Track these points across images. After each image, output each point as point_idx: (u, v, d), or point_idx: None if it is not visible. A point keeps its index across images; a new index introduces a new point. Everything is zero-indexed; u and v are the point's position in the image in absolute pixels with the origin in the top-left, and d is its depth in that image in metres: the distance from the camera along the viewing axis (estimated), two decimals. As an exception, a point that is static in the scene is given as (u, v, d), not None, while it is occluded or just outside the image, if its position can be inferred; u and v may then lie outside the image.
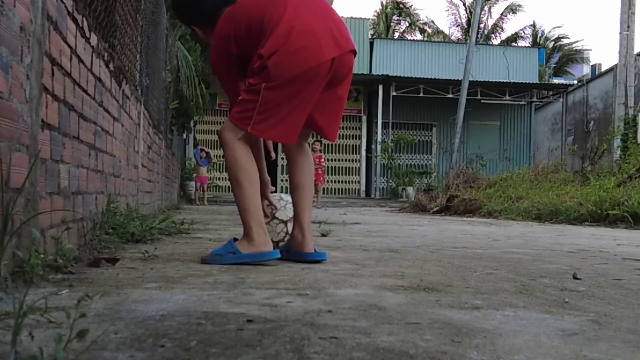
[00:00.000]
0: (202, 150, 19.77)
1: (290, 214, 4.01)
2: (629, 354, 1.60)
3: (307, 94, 3.54)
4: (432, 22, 45.84)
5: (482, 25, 41.43)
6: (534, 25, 45.03)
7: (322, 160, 18.18)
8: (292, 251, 3.71)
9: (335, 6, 3.82)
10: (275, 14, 3.45)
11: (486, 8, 42.00)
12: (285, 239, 4.05)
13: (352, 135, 29.17)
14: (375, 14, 44.98)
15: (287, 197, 4.25)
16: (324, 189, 17.60)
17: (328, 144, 26.22)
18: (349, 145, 29.21)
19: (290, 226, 3.99)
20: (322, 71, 3.52)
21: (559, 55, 44.51)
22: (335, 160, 28.04)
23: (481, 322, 1.97)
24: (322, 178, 17.70)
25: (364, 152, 29.20)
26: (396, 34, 43.80)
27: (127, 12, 5.50)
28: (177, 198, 15.30)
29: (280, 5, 3.49)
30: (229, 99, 3.80)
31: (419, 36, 43.75)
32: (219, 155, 27.24)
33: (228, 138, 3.53)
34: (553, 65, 43.25)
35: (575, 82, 35.56)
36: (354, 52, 3.76)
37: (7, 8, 2.25)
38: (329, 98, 3.69)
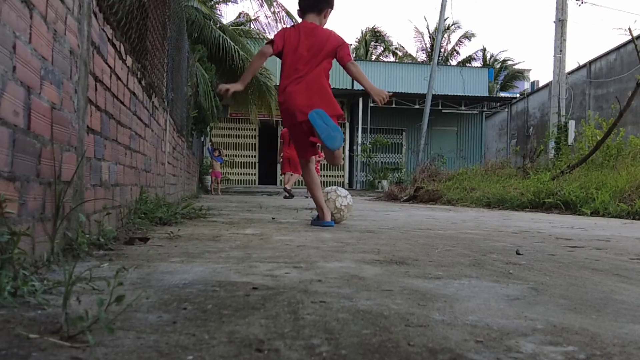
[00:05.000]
0: (215, 149, 19.80)
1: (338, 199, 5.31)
2: (561, 315, 1.61)
3: (299, 136, 5.06)
4: (402, 47, 45.58)
5: (442, 50, 41.35)
6: (484, 50, 45.04)
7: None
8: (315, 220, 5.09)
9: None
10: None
11: (446, 36, 41.95)
12: (343, 215, 5.34)
13: (338, 138, 29.14)
14: (357, 40, 44.96)
15: (334, 188, 5.46)
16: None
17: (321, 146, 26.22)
18: (336, 146, 29.16)
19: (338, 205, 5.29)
20: (301, 126, 4.93)
21: (505, 74, 44.47)
22: (325, 158, 27.98)
23: (442, 290, 1.97)
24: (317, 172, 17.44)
25: (347, 152, 29.20)
26: (373, 57, 43.76)
27: (156, 39, 5.48)
28: (196, 189, 15.29)
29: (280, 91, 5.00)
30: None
31: (392, 58, 43.72)
32: (230, 155, 27.32)
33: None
34: (500, 82, 43.23)
35: (518, 95, 35.56)
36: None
37: (59, 36, 2.24)
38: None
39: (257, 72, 18.07)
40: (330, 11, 5.07)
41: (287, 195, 14.05)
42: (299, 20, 5.22)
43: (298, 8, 5.13)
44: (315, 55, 4.87)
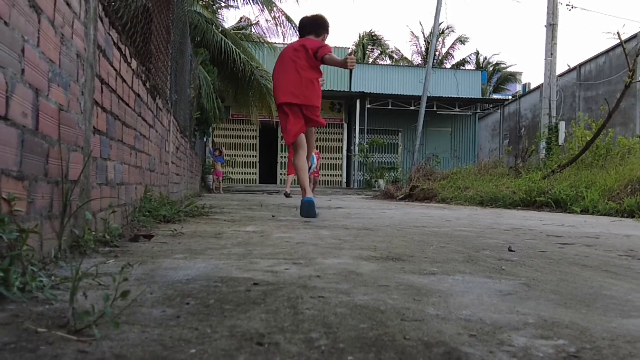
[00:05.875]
0: (216, 149, 19.82)
1: None
2: (551, 309, 1.62)
3: (290, 115, 5.54)
4: (398, 50, 45.63)
5: (437, 53, 41.36)
6: (477, 53, 45.03)
7: (319, 157, 17.73)
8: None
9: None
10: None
11: (440, 39, 41.98)
12: None
13: (336, 139, 29.19)
14: (354, 44, 44.94)
15: None
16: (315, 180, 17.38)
17: (319, 146, 26.25)
18: (334, 146, 29.25)
19: None
20: (288, 106, 5.51)
21: (498, 76, 44.50)
22: (323, 158, 28.01)
23: (436, 285, 1.97)
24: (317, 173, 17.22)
25: (345, 152, 29.23)
26: (370, 60, 43.76)
27: (160, 42, 5.48)
28: (199, 188, 15.27)
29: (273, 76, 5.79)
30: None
31: (388, 61, 43.69)
32: (232, 155, 27.32)
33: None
34: (493, 84, 43.23)
35: (510, 97, 35.56)
36: (311, 105, 5.57)
37: (66, 39, 2.24)
38: (309, 115, 5.61)
39: (259, 76, 18.11)
40: (327, 36, 5.86)
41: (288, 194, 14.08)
42: (298, 24, 5.99)
43: (299, 35, 5.90)
44: (300, 54, 5.52)
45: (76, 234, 2.39)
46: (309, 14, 5.97)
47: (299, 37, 5.87)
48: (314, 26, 5.79)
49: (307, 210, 5.27)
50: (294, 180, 15.19)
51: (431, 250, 3.09)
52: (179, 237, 3.43)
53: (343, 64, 5.34)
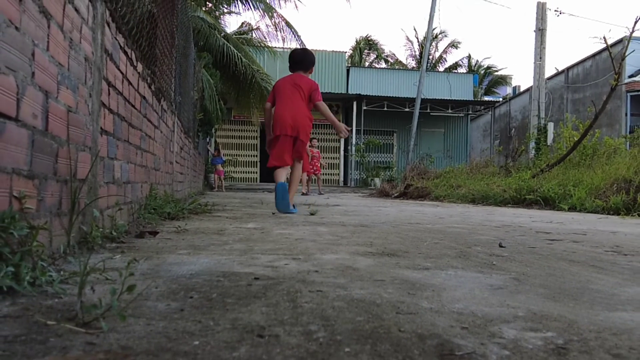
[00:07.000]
0: (215, 150, 19.84)
1: None
2: (540, 303, 1.62)
3: (282, 143, 6.03)
4: (394, 54, 45.60)
5: (430, 57, 41.39)
6: (469, 57, 45.07)
7: (320, 157, 17.58)
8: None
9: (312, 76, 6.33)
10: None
11: (434, 44, 41.99)
12: None
13: (333, 139, 29.18)
14: (351, 48, 44.98)
15: None
16: (314, 179, 17.31)
17: (318, 146, 26.35)
18: (331, 147, 29.26)
19: None
20: (282, 137, 6.03)
21: (489, 79, 44.52)
22: (322, 157, 28.08)
23: (430, 279, 1.97)
24: (318, 170, 17.05)
25: (342, 152, 29.24)
26: (366, 63, 43.76)
27: (164, 47, 5.47)
28: (202, 186, 15.26)
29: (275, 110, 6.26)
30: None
31: (383, 65, 43.70)
32: (233, 155, 27.32)
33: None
34: (484, 87, 43.27)
35: (501, 99, 35.58)
36: (302, 140, 6.11)
37: (75, 44, 2.24)
38: (296, 145, 6.14)
39: (259, 79, 18.11)
40: (313, 68, 6.49)
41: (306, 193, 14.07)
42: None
43: (289, 66, 6.43)
44: (297, 91, 6.14)
45: (84, 231, 2.39)
46: (299, 48, 6.74)
47: (290, 68, 6.45)
48: (304, 62, 6.41)
49: (281, 198, 5.88)
50: (303, 179, 15.16)
51: (425, 246, 3.09)
52: (183, 233, 3.43)
53: (336, 125, 6.27)
